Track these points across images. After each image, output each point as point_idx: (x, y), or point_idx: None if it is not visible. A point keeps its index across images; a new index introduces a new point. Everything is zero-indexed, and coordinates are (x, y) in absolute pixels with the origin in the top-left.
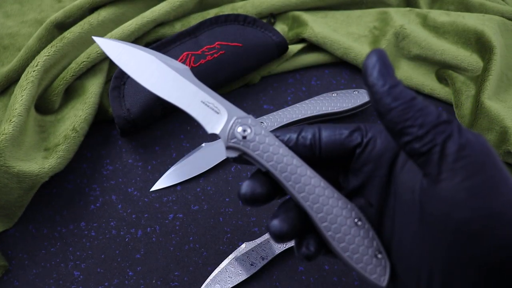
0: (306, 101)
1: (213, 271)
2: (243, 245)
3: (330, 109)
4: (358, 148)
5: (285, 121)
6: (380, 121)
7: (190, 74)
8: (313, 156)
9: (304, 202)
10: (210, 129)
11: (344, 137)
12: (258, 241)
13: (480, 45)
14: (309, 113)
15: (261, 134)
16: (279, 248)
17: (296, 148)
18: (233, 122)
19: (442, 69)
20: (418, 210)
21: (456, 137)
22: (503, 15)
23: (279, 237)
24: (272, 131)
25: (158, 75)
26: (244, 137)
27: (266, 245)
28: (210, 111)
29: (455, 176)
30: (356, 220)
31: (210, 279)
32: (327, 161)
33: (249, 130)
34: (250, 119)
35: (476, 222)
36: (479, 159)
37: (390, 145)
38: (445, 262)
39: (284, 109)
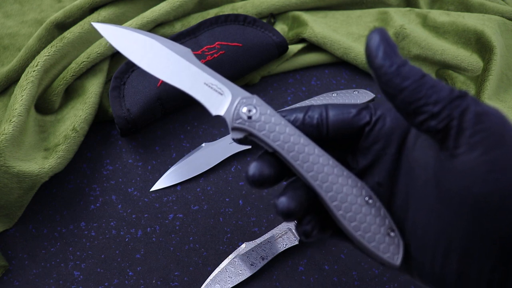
0: (306, 101)
1: (213, 271)
2: (243, 245)
3: None
4: (367, 127)
5: None
6: (391, 103)
7: (192, 56)
8: (321, 135)
9: (313, 181)
10: (214, 111)
11: (352, 116)
12: (258, 241)
13: (480, 45)
14: None
15: (267, 114)
16: (279, 248)
17: (303, 128)
18: (238, 103)
19: (442, 69)
20: (434, 187)
21: (473, 110)
22: (503, 15)
23: (286, 215)
24: (277, 112)
25: (159, 59)
26: (250, 117)
27: (266, 245)
28: (214, 92)
29: (474, 150)
30: (366, 198)
31: (210, 279)
32: (335, 140)
33: (254, 110)
34: (255, 99)
35: (496, 195)
36: (498, 131)
37: (399, 123)
38: (464, 238)
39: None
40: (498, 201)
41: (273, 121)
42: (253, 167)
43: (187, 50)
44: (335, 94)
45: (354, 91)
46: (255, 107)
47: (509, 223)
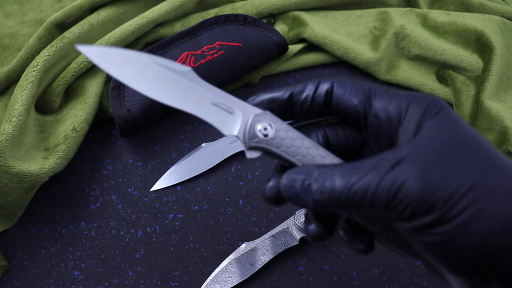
0: None
1: (213, 271)
2: (243, 245)
3: None
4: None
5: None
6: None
7: (194, 75)
8: (330, 113)
9: None
10: (227, 132)
11: (352, 106)
12: (258, 241)
13: (480, 45)
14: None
15: (282, 129)
16: (279, 248)
17: (311, 108)
18: (251, 121)
19: (442, 69)
20: None
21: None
22: (503, 15)
23: (319, 240)
24: (287, 88)
25: (159, 81)
26: (266, 135)
27: (266, 245)
28: (223, 112)
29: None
30: None
31: (210, 279)
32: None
33: (269, 127)
34: (268, 115)
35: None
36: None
37: (392, 122)
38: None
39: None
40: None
41: (289, 136)
42: (269, 189)
43: (188, 70)
44: None
45: None
46: (269, 124)
47: (463, 250)
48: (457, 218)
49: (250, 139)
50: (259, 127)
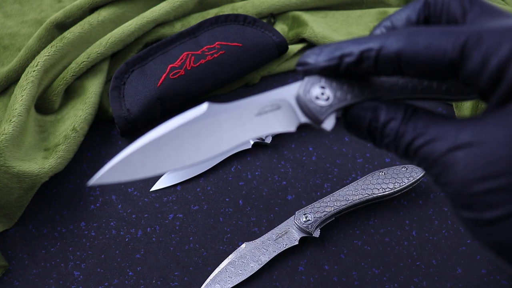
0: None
1: (213, 271)
2: (243, 245)
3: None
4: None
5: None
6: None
7: (215, 106)
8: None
9: None
10: (294, 126)
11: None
12: (258, 241)
13: None
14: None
15: (333, 81)
16: (279, 248)
17: (376, 65)
18: (304, 97)
19: None
20: None
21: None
22: None
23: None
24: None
25: (196, 141)
26: (327, 99)
27: (266, 245)
28: (273, 114)
29: None
30: None
31: (210, 279)
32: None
33: (324, 89)
34: (311, 79)
35: None
36: None
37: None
38: None
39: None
40: None
41: (345, 83)
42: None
43: (206, 106)
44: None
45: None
46: (321, 87)
47: None
48: None
49: (320, 114)
50: (314, 96)
